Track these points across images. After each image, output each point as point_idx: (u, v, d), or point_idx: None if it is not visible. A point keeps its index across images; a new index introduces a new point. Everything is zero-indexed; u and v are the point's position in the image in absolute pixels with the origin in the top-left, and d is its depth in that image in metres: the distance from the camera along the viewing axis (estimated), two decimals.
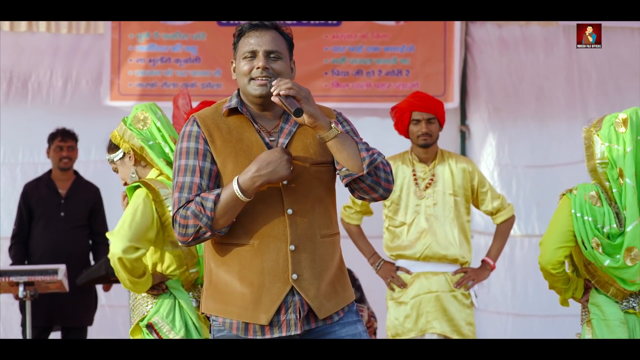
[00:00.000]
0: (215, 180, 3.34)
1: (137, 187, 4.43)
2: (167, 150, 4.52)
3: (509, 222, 6.22)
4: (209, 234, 3.29)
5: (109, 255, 4.30)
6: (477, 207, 6.25)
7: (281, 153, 3.25)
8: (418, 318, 5.99)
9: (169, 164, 4.48)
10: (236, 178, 3.25)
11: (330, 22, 8.07)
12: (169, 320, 4.39)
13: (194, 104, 5.91)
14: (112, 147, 4.65)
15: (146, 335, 4.41)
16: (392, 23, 8.18)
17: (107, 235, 4.38)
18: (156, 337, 4.37)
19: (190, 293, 4.54)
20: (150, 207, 4.36)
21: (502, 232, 6.23)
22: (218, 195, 3.25)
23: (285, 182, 3.30)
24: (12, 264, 7.23)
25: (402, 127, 6.18)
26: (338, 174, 3.35)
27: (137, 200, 4.37)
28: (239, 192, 3.24)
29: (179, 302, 4.46)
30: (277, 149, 3.28)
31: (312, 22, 8.02)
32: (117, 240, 4.27)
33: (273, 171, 3.23)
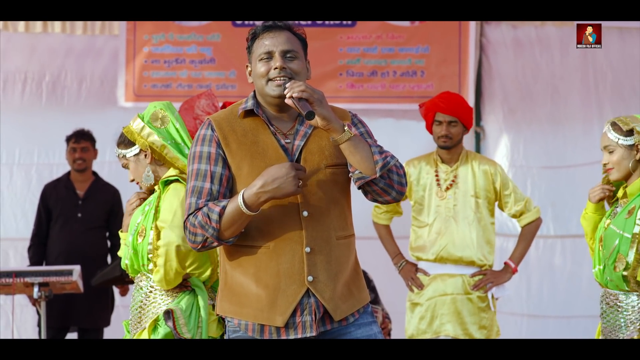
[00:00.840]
0: (227, 185, 3.35)
1: (173, 181, 4.35)
2: (185, 151, 4.41)
3: (533, 225, 6.17)
4: (216, 243, 3.30)
5: (162, 245, 4.20)
6: (502, 209, 6.23)
7: (289, 169, 3.21)
8: (432, 320, 5.98)
9: None
10: (242, 192, 3.23)
11: (344, 23, 8.06)
12: (186, 316, 4.31)
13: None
14: (127, 143, 4.53)
15: (160, 326, 4.32)
16: (406, 24, 8.18)
17: (158, 226, 4.25)
18: (170, 326, 4.27)
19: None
20: None
21: (526, 234, 6.19)
22: (224, 208, 3.23)
23: (299, 183, 3.28)
24: (30, 265, 7.23)
25: (427, 126, 6.19)
26: (351, 176, 3.32)
27: (182, 194, 4.26)
28: (244, 207, 3.22)
29: (197, 301, 4.36)
30: (287, 164, 3.24)
31: (326, 22, 8.01)
32: (175, 229, 4.18)
33: (278, 187, 3.19)
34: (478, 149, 8.60)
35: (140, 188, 4.62)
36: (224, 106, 5.35)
